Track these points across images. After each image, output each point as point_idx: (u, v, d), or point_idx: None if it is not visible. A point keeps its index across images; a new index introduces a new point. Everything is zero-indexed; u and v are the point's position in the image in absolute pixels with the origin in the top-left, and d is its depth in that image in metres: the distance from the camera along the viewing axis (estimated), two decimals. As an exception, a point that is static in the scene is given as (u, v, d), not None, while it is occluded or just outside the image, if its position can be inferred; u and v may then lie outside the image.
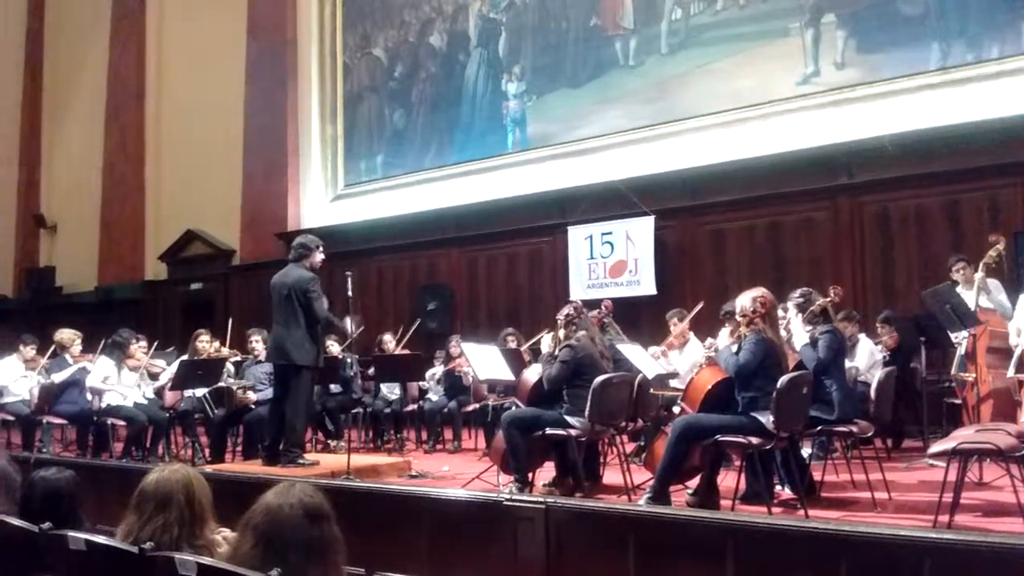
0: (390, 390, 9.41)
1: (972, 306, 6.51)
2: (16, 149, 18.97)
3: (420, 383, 9.33)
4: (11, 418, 8.46)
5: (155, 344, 8.98)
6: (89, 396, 8.16)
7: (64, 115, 18.53)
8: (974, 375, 6.35)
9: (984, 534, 3.60)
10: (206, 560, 2.44)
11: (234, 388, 7.89)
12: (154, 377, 8.54)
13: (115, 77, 17.02)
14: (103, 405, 8.02)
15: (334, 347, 9.38)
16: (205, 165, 15.34)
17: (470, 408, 8.96)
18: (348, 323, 6.97)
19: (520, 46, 11.99)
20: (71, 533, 2.84)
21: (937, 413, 7.33)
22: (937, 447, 4.61)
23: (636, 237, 10.22)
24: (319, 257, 6.77)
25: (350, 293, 6.95)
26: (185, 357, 8.36)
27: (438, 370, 9.37)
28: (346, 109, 13.94)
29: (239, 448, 8.12)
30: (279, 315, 6.63)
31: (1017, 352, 6.17)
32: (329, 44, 14.18)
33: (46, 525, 2.94)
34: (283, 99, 14.31)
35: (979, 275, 6.76)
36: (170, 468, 2.86)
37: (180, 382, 7.98)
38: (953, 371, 6.98)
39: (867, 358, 7.08)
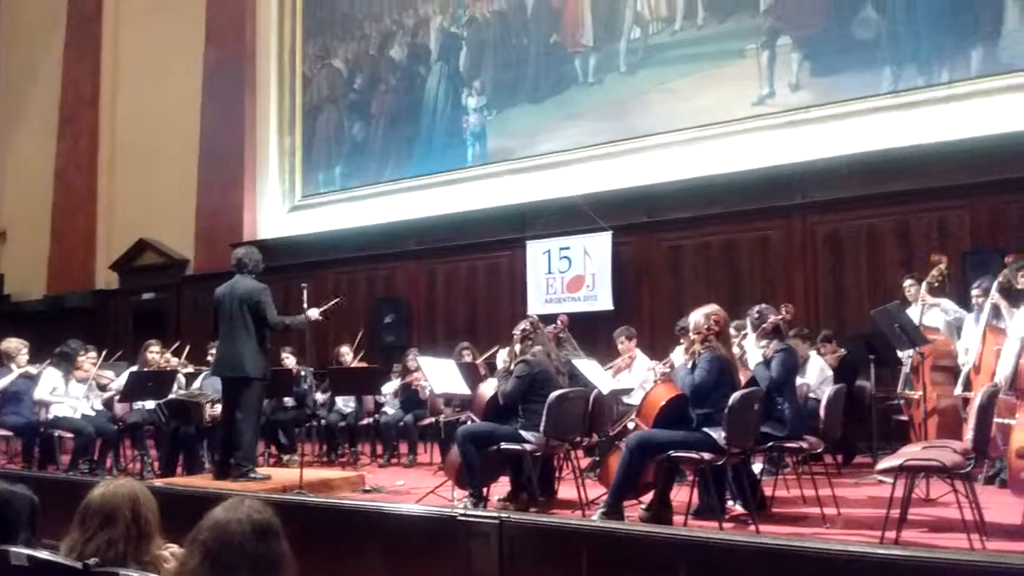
0: (345, 403, 9.33)
1: (917, 324, 6.65)
2: (-35, 155, 18.55)
3: (376, 396, 9.26)
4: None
5: (103, 354, 8.80)
6: (36, 409, 7.97)
7: (16, 121, 18.12)
8: (920, 393, 6.47)
9: (930, 550, 3.67)
10: (152, 576, 2.40)
11: (203, 402, 7.70)
12: (103, 388, 8.37)
13: (69, 83, 16.72)
14: (50, 417, 7.84)
15: (289, 360, 9.30)
16: (160, 174, 15.09)
17: (426, 422, 8.92)
18: (306, 315, 6.84)
19: (481, 61, 12.03)
20: (13, 548, 2.76)
21: (886, 430, 7.44)
22: (885, 463, 4.70)
23: (594, 252, 10.27)
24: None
25: (305, 305, 6.89)
26: (135, 368, 8.22)
27: (394, 383, 9.31)
28: (305, 120, 13.85)
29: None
30: (228, 327, 6.53)
31: (964, 371, 6.32)
32: (288, 54, 14.08)
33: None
34: (241, 109, 14.16)
35: (923, 294, 6.92)
36: (116, 482, 2.80)
37: (129, 394, 7.84)
38: (899, 389, 7.11)
39: (817, 375, 7.18)
